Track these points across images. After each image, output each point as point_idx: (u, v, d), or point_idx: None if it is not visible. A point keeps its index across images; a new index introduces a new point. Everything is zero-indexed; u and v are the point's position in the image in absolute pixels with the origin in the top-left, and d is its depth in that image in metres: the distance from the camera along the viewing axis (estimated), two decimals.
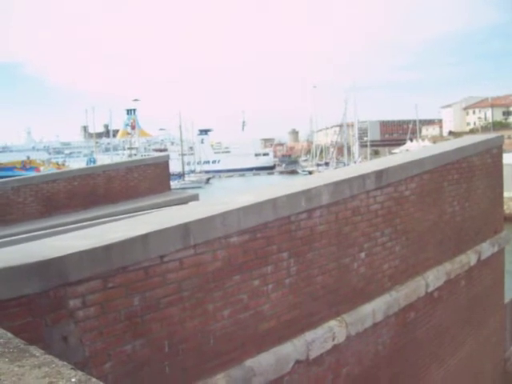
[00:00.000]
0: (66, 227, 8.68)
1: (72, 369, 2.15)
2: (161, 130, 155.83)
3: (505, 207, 11.26)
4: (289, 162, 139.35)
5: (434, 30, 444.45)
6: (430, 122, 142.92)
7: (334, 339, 5.69)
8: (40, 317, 3.30)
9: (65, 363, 2.21)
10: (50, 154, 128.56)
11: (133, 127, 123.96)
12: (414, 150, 14.54)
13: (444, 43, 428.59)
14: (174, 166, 72.36)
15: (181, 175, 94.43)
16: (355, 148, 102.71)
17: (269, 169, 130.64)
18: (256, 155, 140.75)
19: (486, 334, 9.49)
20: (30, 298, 3.23)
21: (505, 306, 10.67)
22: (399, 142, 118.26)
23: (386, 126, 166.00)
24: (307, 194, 5.39)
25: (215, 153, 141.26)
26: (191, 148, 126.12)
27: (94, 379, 2.09)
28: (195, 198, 15.91)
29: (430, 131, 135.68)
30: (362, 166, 8.69)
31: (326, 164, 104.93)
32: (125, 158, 79.07)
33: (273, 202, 4.99)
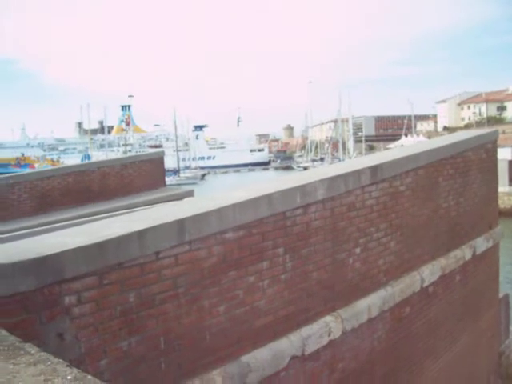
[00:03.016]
0: (61, 224, 8.66)
1: (68, 366, 2.15)
2: (155, 126, 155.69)
3: (499, 202, 11.27)
4: (284, 158, 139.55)
5: (431, 25, 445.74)
6: (424, 118, 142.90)
7: (329, 335, 5.70)
8: (35, 314, 3.29)
9: (60, 360, 2.21)
10: (44, 150, 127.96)
11: (127, 123, 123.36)
12: (409, 145, 14.53)
13: (440, 38, 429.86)
14: (169, 162, 72.11)
15: (176, 171, 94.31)
16: (350, 143, 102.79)
17: (264, 164, 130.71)
18: (251, 151, 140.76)
19: (480, 328, 9.52)
20: (25, 295, 3.22)
21: (499, 301, 10.70)
22: (394, 138, 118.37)
23: (380, 121, 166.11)
24: (302, 189, 5.39)
25: (210, 149, 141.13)
26: (186, 144, 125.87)
27: (89, 376, 2.09)
28: (190, 194, 15.90)
29: (425, 126, 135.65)
30: (357, 161, 8.68)
31: (321, 159, 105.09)
32: (120, 155, 78.93)
33: (268, 198, 4.99)
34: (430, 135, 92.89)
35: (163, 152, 18.58)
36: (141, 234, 3.88)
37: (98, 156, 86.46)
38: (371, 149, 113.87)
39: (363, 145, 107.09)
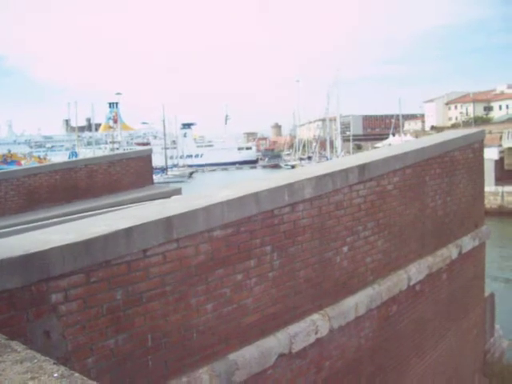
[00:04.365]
0: (48, 221, 8.61)
1: (54, 364, 2.14)
2: (143, 123, 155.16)
3: (485, 202, 11.34)
4: (272, 156, 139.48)
5: (421, 25, 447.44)
6: (412, 117, 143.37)
7: (316, 333, 5.72)
8: (22, 311, 3.27)
9: (47, 358, 2.20)
10: (31, 147, 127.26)
11: (115, 121, 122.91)
12: (396, 145, 14.65)
13: (430, 38, 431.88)
14: (157, 160, 72.01)
15: (164, 169, 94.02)
16: (338, 142, 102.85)
17: (252, 163, 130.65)
18: (239, 149, 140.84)
19: (466, 326, 9.59)
20: (12, 293, 3.20)
21: (485, 300, 10.78)
22: (382, 137, 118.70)
23: (368, 120, 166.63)
24: (290, 187, 5.40)
25: (198, 147, 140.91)
26: (174, 142, 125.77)
27: (76, 374, 2.08)
28: (178, 192, 15.84)
29: (413, 126, 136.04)
30: (345, 160, 8.71)
31: (309, 158, 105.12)
32: (107, 152, 78.55)
33: (256, 196, 4.99)
34: (417, 134, 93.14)
35: (151, 150, 18.52)
36: (128, 232, 3.87)
37: (85, 153, 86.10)
38: (359, 148, 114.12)
39: (351, 144, 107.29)
